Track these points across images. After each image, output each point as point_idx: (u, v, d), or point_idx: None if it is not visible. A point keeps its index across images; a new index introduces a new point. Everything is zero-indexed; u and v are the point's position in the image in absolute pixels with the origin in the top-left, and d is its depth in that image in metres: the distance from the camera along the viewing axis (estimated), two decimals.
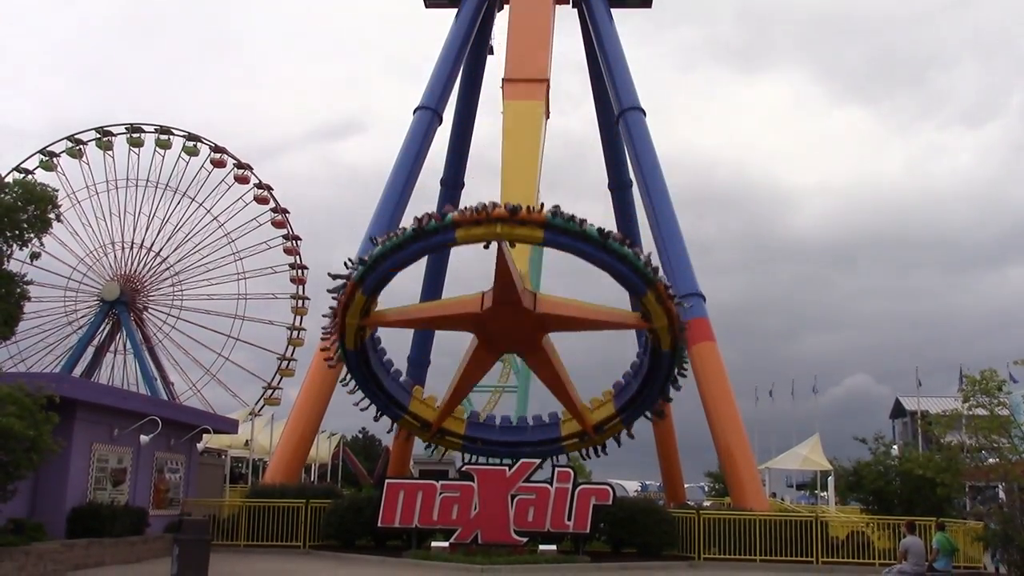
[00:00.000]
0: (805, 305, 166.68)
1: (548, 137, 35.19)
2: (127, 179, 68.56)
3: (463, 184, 44.47)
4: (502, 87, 33.83)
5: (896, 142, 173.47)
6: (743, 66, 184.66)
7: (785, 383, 58.16)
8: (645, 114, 36.35)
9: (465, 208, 22.91)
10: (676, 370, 26.27)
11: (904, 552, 21.75)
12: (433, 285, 45.31)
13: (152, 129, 68.10)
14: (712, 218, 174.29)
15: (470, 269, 56.08)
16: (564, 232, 22.65)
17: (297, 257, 68.60)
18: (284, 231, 68.44)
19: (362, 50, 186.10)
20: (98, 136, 67.90)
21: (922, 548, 21.78)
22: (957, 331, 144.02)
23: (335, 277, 24.45)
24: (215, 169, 68.05)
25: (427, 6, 41.51)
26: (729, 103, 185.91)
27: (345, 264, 24.50)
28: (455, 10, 39.31)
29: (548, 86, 34.52)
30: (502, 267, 22.91)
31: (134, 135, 67.90)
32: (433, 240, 23.55)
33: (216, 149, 67.88)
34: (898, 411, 77.41)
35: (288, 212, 68.74)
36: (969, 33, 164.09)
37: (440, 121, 37.25)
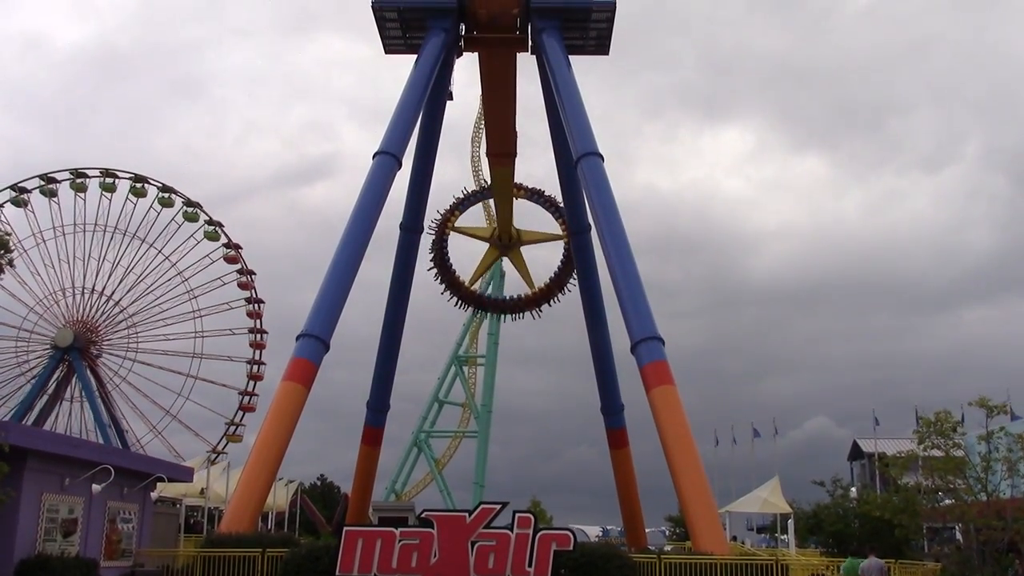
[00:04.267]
0: (766, 348, 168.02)
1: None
2: (74, 225, 68.03)
3: (422, 228, 44.55)
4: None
5: (855, 187, 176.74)
6: (707, 112, 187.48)
7: (746, 426, 58.43)
8: (603, 159, 36.63)
9: None
10: None
11: (864, 572, 22.46)
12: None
13: (96, 173, 67.64)
14: (676, 263, 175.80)
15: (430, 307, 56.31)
16: None
17: (252, 291, 68.19)
18: (238, 266, 68.08)
19: (327, 95, 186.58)
20: (42, 183, 67.34)
21: (880, 565, 22.41)
22: (914, 373, 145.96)
23: None
24: (164, 210, 67.83)
25: (386, 52, 41.67)
26: (693, 148, 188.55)
27: None
28: (415, 56, 39.55)
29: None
30: None
31: (78, 180, 67.37)
32: None
33: (164, 189, 67.61)
34: (856, 453, 78.01)
35: (240, 247, 68.46)
36: (925, 81, 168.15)
37: (400, 166, 37.28)
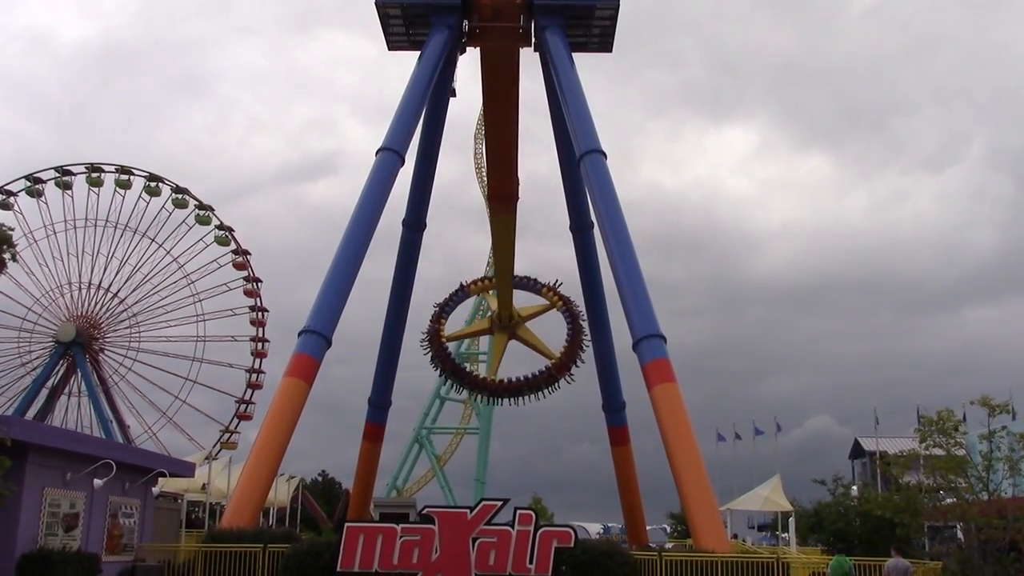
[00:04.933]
0: (768, 347, 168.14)
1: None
2: (85, 219, 68.11)
3: (424, 225, 44.52)
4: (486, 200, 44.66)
5: (859, 187, 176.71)
6: (711, 111, 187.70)
7: (748, 424, 58.46)
8: (606, 157, 36.60)
9: None
10: None
11: (888, 572, 22.57)
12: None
13: (112, 169, 67.64)
14: (679, 261, 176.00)
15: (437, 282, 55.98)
16: None
17: (257, 299, 68.16)
18: (245, 273, 68.01)
19: (330, 92, 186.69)
20: (57, 175, 67.34)
21: (904, 566, 22.49)
22: (917, 373, 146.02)
23: None
24: (176, 210, 67.80)
25: (390, 48, 41.63)
26: (697, 147, 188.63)
27: None
28: (418, 52, 39.51)
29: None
30: None
31: (93, 175, 67.34)
32: None
33: (177, 190, 67.59)
34: (857, 451, 77.95)
35: (249, 254, 68.48)
36: (930, 80, 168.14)
37: (403, 162, 37.26)
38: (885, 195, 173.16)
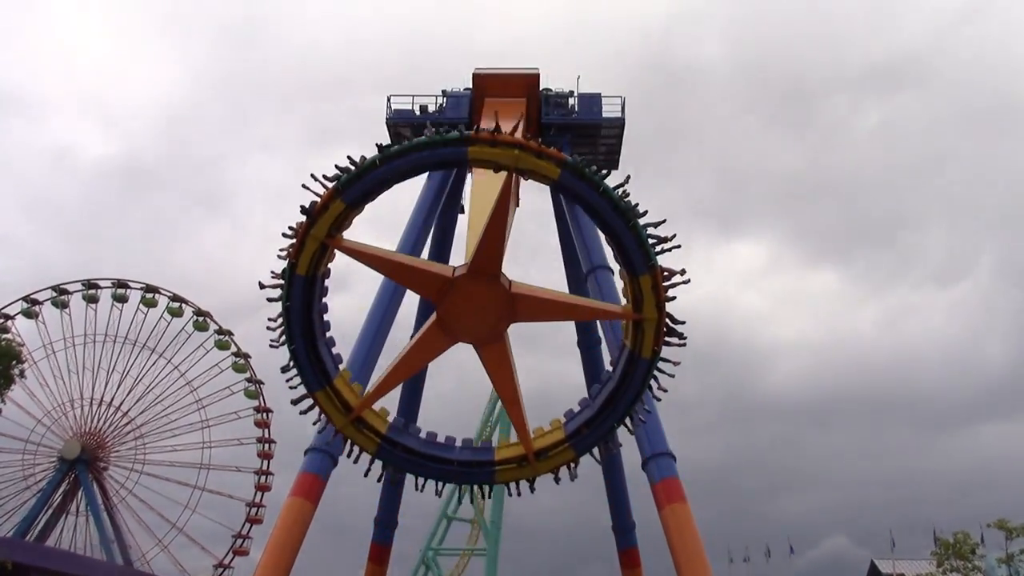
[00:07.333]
0: (782, 464, 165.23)
1: None
2: (85, 335, 68.50)
3: None
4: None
5: (870, 302, 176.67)
6: (721, 226, 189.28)
7: (761, 544, 57.23)
8: (614, 272, 36.80)
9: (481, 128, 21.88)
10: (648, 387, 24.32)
11: None
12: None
13: (108, 284, 68.35)
14: (691, 377, 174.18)
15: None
16: (580, 176, 21.57)
17: (261, 400, 67.96)
18: (246, 375, 68.08)
19: None
20: (54, 295, 68.02)
21: None
22: (932, 491, 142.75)
23: (329, 178, 22.68)
24: (173, 319, 68.44)
25: None
26: (707, 262, 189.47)
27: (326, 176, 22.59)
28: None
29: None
30: (500, 208, 20.95)
31: (90, 291, 68.20)
32: (440, 152, 22.45)
33: (175, 298, 68.06)
34: (874, 574, 76.12)
35: (250, 356, 68.59)
36: (938, 195, 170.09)
37: None
38: (896, 310, 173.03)
